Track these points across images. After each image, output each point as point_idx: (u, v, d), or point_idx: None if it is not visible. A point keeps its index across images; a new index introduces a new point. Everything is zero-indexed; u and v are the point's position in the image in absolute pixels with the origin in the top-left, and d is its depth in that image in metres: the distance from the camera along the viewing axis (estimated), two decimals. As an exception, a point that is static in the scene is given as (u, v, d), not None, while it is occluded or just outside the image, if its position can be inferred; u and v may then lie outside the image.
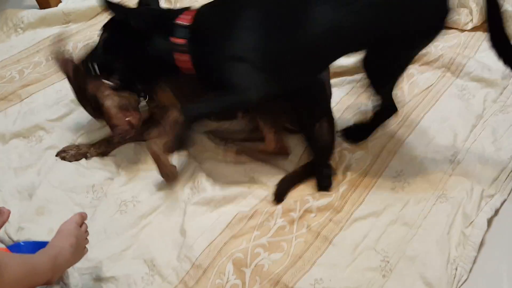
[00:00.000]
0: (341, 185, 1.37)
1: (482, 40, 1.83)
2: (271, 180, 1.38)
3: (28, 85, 1.69)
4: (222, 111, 1.39)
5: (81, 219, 1.06)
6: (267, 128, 1.39)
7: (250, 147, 1.48)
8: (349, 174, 1.41)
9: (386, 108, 1.41)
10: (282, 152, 1.46)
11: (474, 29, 1.87)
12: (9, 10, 1.96)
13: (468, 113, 1.58)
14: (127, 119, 1.33)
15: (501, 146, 1.49)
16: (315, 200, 1.31)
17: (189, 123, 1.26)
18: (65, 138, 1.52)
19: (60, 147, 1.49)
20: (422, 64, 1.74)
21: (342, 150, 1.46)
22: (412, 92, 1.65)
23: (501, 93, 1.64)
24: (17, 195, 1.37)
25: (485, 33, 1.78)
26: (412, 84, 1.68)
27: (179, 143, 1.28)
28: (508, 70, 1.58)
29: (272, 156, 1.45)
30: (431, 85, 1.68)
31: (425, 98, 1.64)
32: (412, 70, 1.72)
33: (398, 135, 1.51)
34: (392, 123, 1.52)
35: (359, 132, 1.50)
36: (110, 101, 1.32)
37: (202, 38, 1.23)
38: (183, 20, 1.24)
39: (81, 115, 1.52)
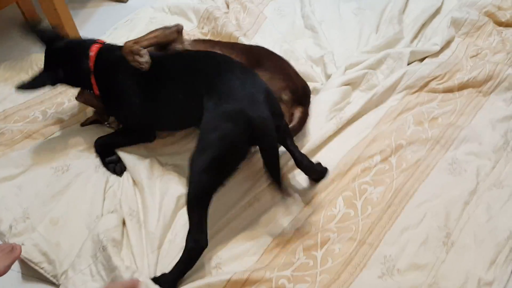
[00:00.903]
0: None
1: (481, 105, 1.75)
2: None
3: (51, 124, 1.75)
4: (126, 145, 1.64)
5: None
6: None
7: None
8: (330, 260, 1.31)
9: None
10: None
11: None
12: (34, 54, 2.00)
13: (461, 189, 1.47)
14: None
15: (497, 224, 1.39)
16: None
17: (99, 147, 1.62)
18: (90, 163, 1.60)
19: (88, 172, 1.56)
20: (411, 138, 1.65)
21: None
22: (400, 167, 1.54)
23: (493, 167, 1.54)
24: (46, 222, 1.44)
25: (486, 97, 1.78)
26: (400, 157, 1.57)
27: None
28: (501, 142, 1.55)
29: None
30: (419, 160, 1.56)
31: (414, 173, 1.52)
32: (401, 141, 1.61)
33: (387, 215, 1.40)
34: (380, 203, 1.44)
35: None
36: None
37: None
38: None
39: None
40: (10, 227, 1.43)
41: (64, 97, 1.86)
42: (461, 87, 1.83)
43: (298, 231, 1.40)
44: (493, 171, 1.53)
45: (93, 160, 1.61)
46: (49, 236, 1.41)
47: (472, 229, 1.38)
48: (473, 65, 1.91)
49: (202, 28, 2.19)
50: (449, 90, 1.81)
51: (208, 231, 1.29)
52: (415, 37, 2.13)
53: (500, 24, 2.18)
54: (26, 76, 1.92)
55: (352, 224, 1.40)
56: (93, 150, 1.64)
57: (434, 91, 1.82)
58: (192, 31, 2.18)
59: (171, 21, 2.20)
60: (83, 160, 1.62)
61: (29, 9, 2.21)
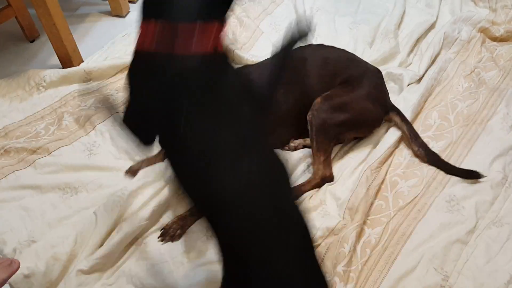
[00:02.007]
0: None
1: (477, 136, 1.68)
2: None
3: (55, 140, 1.70)
4: None
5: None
6: (316, 152, 1.53)
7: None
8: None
9: None
10: (329, 178, 1.55)
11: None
12: (31, 70, 1.95)
13: (459, 228, 1.39)
14: None
15: (497, 267, 1.30)
16: None
17: None
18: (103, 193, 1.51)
19: (97, 203, 1.46)
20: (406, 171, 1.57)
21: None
22: (397, 205, 1.47)
23: (492, 203, 1.46)
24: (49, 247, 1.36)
25: (482, 126, 1.72)
26: (397, 194, 1.50)
27: None
28: (499, 176, 1.48)
29: (321, 185, 1.54)
30: (416, 196, 1.49)
31: (411, 212, 1.45)
32: (396, 177, 1.55)
33: (383, 259, 1.33)
34: (377, 245, 1.36)
35: None
36: None
37: None
38: None
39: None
40: (14, 250, 1.36)
41: (65, 112, 1.82)
42: (457, 115, 1.76)
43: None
44: (491, 208, 1.45)
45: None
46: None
47: (471, 272, 1.30)
48: (467, 87, 1.87)
49: None
50: (444, 118, 1.75)
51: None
52: (411, 51, 2.10)
53: (494, 39, 2.15)
54: (23, 92, 1.89)
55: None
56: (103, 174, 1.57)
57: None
58: None
59: None
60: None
61: (28, 23, 2.20)
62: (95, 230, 1.39)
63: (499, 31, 2.16)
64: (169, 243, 1.40)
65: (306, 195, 1.53)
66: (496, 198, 1.48)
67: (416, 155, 1.61)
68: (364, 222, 1.42)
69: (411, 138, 1.61)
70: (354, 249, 1.35)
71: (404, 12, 2.33)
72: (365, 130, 1.67)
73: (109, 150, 1.69)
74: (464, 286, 1.27)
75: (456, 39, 2.12)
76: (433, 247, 1.35)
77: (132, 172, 1.59)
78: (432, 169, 1.57)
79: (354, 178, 1.54)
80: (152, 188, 1.51)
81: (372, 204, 1.47)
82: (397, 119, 1.65)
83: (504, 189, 1.51)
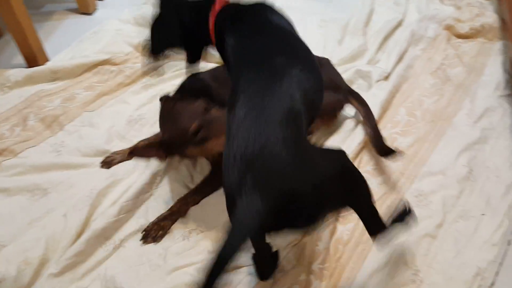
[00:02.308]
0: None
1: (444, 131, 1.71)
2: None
3: (21, 141, 1.66)
4: None
5: None
6: None
7: None
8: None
9: None
10: None
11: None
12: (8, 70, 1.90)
13: (427, 222, 1.39)
14: None
15: (464, 260, 1.31)
16: None
17: None
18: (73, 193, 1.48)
19: (67, 204, 1.43)
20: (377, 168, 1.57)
21: None
22: None
23: (459, 197, 1.47)
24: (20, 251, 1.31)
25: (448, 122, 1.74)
26: None
27: None
28: (465, 171, 1.49)
29: None
30: (385, 193, 1.49)
31: (381, 207, 1.41)
32: (366, 174, 1.50)
33: (355, 256, 1.32)
34: (349, 242, 1.36)
35: None
36: None
37: None
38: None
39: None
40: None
41: (30, 112, 1.77)
42: (424, 111, 1.78)
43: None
44: (458, 202, 1.46)
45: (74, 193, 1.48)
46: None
47: (440, 265, 1.30)
48: (433, 84, 1.90)
49: None
50: (411, 115, 1.77)
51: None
52: (379, 48, 2.11)
53: (459, 36, 2.17)
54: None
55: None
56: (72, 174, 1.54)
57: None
58: None
59: (137, 32, 2.14)
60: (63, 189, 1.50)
61: (-9, 21, 2.11)
62: (65, 231, 1.36)
63: (463, 28, 2.19)
64: (147, 245, 1.37)
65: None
66: (462, 192, 1.49)
67: (368, 136, 1.63)
68: (336, 219, 1.41)
69: (366, 119, 1.64)
70: (328, 247, 1.34)
71: (372, 10, 2.35)
72: (330, 116, 1.70)
73: (77, 149, 1.64)
74: (434, 280, 1.27)
75: (423, 36, 2.15)
76: (404, 242, 1.34)
77: (106, 163, 1.57)
78: (401, 165, 1.57)
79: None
80: (121, 186, 1.49)
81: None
82: (355, 102, 1.68)
83: (470, 183, 1.51)
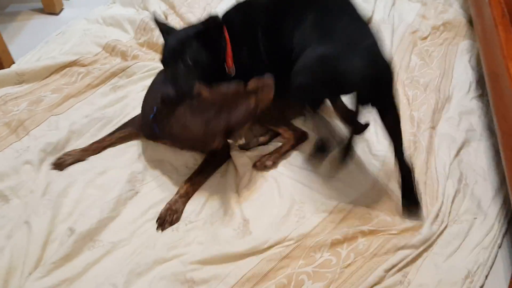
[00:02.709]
0: None
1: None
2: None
3: None
4: None
5: None
6: (281, 129, 1.59)
7: (277, 151, 1.57)
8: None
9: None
10: (303, 137, 1.61)
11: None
12: None
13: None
14: None
15: (455, 263, 1.28)
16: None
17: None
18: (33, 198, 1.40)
19: (28, 210, 1.36)
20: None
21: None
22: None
23: (452, 201, 1.44)
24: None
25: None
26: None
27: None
28: (458, 172, 1.45)
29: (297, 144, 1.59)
30: None
31: None
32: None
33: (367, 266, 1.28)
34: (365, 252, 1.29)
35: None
36: None
37: None
38: None
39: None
40: None
41: None
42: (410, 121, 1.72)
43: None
44: (452, 206, 1.43)
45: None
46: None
47: (429, 268, 1.27)
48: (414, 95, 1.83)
49: (139, 39, 2.03)
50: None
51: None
52: None
53: (424, 39, 2.14)
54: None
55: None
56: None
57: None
58: (129, 42, 2.02)
59: (106, 32, 2.05)
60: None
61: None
62: (30, 239, 1.29)
63: (427, 30, 2.17)
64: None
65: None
66: (456, 196, 1.46)
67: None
68: (362, 232, 1.35)
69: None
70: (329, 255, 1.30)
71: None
72: None
73: (43, 152, 1.54)
74: (422, 282, 1.24)
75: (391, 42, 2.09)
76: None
77: (57, 165, 1.52)
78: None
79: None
80: (80, 183, 1.46)
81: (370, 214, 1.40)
82: None
83: (462, 186, 1.48)
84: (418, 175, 1.49)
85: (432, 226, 1.36)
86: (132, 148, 1.60)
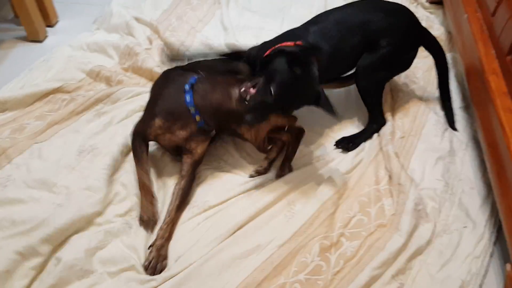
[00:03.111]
0: None
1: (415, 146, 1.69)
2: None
3: None
4: None
5: None
6: (279, 134, 1.61)
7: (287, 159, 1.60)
8: None
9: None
10: (300, 134, 1.63)
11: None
12: None
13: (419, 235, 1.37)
14: None
15: (449, 273, 1.29)
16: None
17: None
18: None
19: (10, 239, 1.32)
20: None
21: None
22: (378, 219, 1.44)
23: (440, 211, 1.44)
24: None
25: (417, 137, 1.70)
26: (380, 209, 1.47)
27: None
28: (441, 184, 1.46)
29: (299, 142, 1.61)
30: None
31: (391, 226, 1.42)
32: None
33: (354, 272, 1.29)
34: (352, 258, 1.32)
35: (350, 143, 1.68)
36: None
37: None
38: None
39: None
40: None
41: None
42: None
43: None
44: (440, 216, 1.42)
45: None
46: None
47: (424, 279, 1.27)
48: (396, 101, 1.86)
49: (124, 64, 2.03)
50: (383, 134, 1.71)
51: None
52: None
53: None
54: None
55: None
56: None
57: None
58: (113, 67, 2.02)
59: (90, 58, 2.04)
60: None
61: None
62: (16, 270, 1.26)
63: None
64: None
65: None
66: (443, 206, 1.46)
67: None
68: (342, 234, 1.39)
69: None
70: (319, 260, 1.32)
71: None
72: None
73: (24, 183, 1.51)
74: None
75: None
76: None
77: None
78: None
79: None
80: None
81: (354, 216, 1.45)
82: None
83: (448, 196, 1.48)
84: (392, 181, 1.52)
85: (411, 218, 1.38)
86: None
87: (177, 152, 1.56)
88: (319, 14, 1.71)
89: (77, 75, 1.99)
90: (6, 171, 1.56)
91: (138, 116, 1.64)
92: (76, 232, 1.39)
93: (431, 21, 2.37)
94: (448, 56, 2.12)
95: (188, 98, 1.46)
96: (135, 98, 1.86)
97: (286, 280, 1.27)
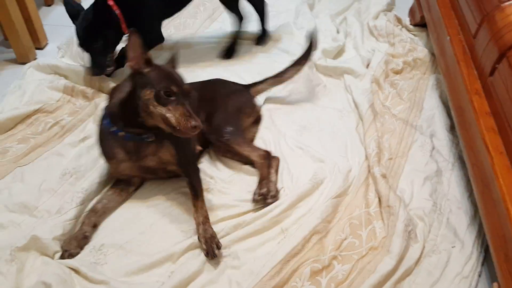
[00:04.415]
0: None
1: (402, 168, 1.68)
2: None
3: None
4: None
5: None
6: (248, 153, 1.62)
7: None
8: None
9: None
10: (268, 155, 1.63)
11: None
12: None
13: (409, 257, 1.36)
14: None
15: None
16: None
17: None
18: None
19: None
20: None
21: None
22: (369, 242, 1.41)
23: (429, 231, 1.43)
24: None
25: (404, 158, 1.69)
26: (371, 231, 1.44)
27: None
28: (429, 204, 1.47)
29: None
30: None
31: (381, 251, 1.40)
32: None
33: None
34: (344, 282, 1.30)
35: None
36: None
37: None
38: None
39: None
40: None
41: None
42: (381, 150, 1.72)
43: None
44: (429, 236, 1.42)
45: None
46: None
47: None
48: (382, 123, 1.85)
49: (91, 85, 2.02)
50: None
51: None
52: None
53: (396, 72, 2.17)
54: None
55: None
56: None
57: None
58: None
59: (60, 78, 2.04)
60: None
61: None
62: None
63: (398, 64, 2.20)
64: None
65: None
66: (431, 226, 1.45)
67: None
68: (335, 257, 1.37)
69: None
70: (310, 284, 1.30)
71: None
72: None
73: (5, 206, 1.49)
74: None
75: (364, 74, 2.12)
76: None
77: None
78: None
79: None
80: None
81: (345, 239, 1.43)
82: None
83: (436, 215, 1.48)
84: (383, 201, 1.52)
85: (402, 240, 1.37)
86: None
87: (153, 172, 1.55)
88: None
89: (54, 95, 1.99)
90: (-13, 195, 1.51)
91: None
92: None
93: (415, 43, 2.40)
94: (432, 77, 2.12)
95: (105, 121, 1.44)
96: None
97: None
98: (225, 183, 1.61)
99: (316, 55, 2.19)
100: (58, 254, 1.35)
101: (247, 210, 1.51)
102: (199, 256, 1.35)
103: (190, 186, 1.46)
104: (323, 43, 2.30)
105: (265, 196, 1.49)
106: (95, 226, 1.44)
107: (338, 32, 2.48)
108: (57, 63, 2.14)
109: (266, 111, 1.93)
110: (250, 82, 1.95)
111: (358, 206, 1.53)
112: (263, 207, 1.49)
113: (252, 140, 1.78)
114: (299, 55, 1.92)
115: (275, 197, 1.50)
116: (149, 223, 1.47)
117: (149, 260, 1.34)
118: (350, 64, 2.17)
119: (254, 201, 1.51)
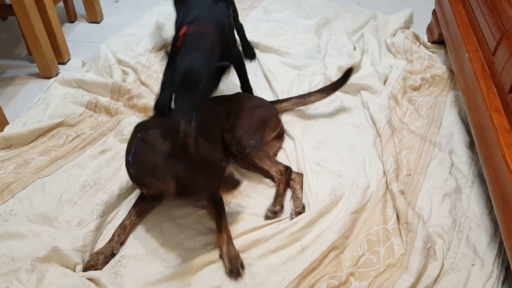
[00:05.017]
0: None
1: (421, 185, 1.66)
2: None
3: None
4: None
5: None
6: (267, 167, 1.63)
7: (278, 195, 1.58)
8: None
9: None
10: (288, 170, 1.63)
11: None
12: None
13: (428, 274, 1.35)
14: None
15: None
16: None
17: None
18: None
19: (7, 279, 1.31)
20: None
21: None
22: (387, 259, 1.41)
23: (448, 248, 1.41)
24: None
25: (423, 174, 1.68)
26: (389, 248, 1.44)
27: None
28: (449, 221, 1.44)
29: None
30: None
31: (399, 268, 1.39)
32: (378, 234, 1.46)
33: None
34: None
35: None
36: None
37: None
38: None
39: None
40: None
41: None
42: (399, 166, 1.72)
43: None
44: (448, 254, 1.40)
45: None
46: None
47: None
48: (400, 139, 1.84)
49: (117, 99, 2.05)
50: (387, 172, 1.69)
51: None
52: None
53: (414, 89, 2.17)
54: None
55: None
56: None
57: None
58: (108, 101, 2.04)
59: (84, 95, 2.07)
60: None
61: None
62: None
63: (416, 81, 2.21)
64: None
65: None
66: (450, 243, 1.43)
67: None
68: (352, 274, 1.36)
69: None
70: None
71: (325, 64, 2.34)
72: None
73: (26, 217, 1.51)
74: None
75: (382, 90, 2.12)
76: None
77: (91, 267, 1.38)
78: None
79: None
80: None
81: (363, 255, 1.42)
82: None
83: (456, 233, 1.47)
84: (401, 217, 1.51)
85: (421, 257, 1.35)
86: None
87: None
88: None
89: (77, 110, 2.02)
90: (9, 206, 1.57)
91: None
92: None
93: (433, 60, 2.39)
94: (451, 94, 2.10)
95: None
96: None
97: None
98: (244, 196, 1.62)
99: (331, 72, 2.20)
100: (80, 266, 1.36)
101: (266, 224, 1.51)
102: (218, 270, 1.35)
103: (213, 207, 1.49)
104: (339, 60, 2.32)
105: (277, 213, 1.51)
106: (122, 244, 1.45)
107: (354, 49, 2.48)
108: (82, 77, 2.18)
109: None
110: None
111: (376, 222, 1.52)
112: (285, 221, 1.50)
113: (275, 154, 1.79)
114: (330, 84, 1.94)
115: (301, 214, 1.51)
116: (169, 236, 1.48)
117: (167, 272, 1.35)
118: (367, 80, 2.16)
119: (267, 217, 1.52)
